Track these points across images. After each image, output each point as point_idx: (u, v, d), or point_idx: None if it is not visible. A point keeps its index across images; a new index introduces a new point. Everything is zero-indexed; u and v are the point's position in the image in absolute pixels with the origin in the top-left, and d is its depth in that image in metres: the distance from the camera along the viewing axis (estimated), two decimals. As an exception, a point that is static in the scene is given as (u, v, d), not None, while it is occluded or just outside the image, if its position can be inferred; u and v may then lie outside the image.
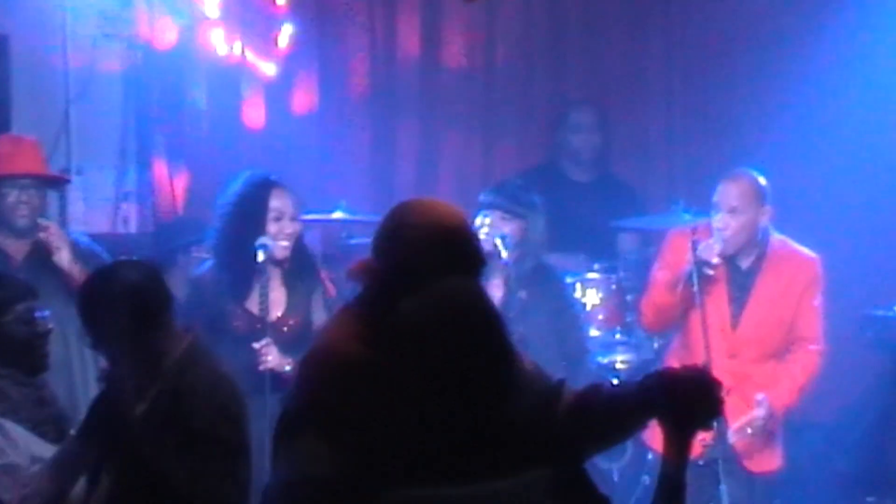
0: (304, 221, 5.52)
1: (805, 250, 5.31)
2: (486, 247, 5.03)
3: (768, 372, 5.24)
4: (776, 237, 5.29)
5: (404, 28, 7.11)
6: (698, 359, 5.15)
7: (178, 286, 5.71)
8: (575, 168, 6.84)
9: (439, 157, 7.03)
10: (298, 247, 5.11)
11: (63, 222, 6.21)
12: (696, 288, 5.08)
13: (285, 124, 6.83)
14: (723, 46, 6.95)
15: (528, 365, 3.01)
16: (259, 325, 4.99)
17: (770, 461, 5.24)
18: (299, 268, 5.09)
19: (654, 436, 5.30)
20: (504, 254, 5.23)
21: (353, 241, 6.25)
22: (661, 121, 7.14)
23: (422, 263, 2.95)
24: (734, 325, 5.15)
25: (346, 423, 2.81)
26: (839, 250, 6.46)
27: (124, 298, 3.58)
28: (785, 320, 5.22)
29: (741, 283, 5.20)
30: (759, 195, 5.18)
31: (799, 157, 6.69)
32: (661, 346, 5.86)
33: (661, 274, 5.30)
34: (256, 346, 4.95)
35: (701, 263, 5.09)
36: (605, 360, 6.04)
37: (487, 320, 2.82)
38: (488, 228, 5.27)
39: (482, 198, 5.42)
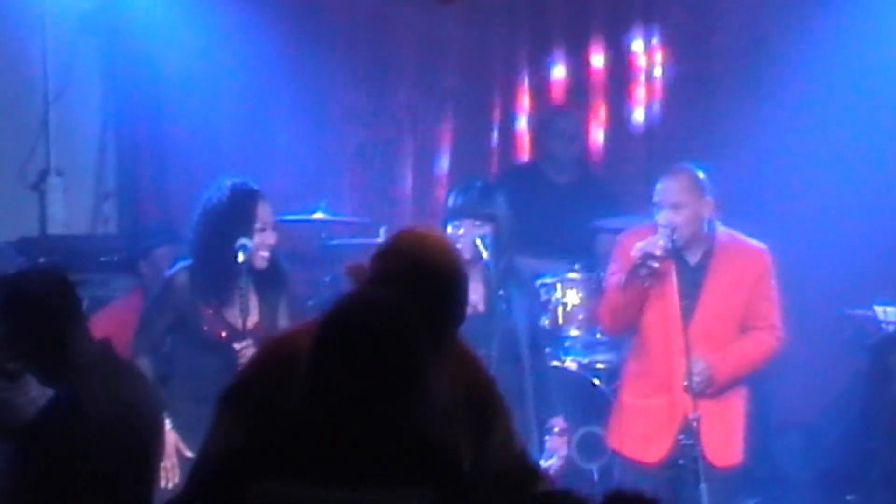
0: (285, 222, 5.53)
1: (753, 242, 5.32)
2: (465, 253, 5.04)
3: None
4: (723, 231, 5.30)
5: (389, 31, 7.10)
6: (654, 358, 5.18)
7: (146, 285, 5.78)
8: (555, 170, 6.85)
9: (422, 158, 7.03)
10: (272, 255, 5.11)
11: (43, 223, 6.21)
12: (645, 283, 5.12)
13: (265, 125, 6.82)
14: (704, 48, 6.96)
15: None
16: (231, 332, 4.99)
17: (731, 457, 5.24)
18: (270, 276, 5.09)
19: (619, 440, 5.35)
20: (485, 254, 5.23)
21: (333, 242, 6.25)
22: (640, 122, 7.15)
23: (397, 291, 3.02)
24: (686, 323, 5.16)
25: (251, 404, 2.94)
26: (819, 250, 6.50)
27: (29, 308, 3.55)
28: (737, 314, 5.23)
29: (691, 279, 5.22)
30: (700, 188, 5.20)
31: (780, 158, 6.71)
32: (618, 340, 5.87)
33: (614, 278, 5.32)
34: (237, 346, 4.94)
35: (646, 257, 5.11)
36: (586, 360, 6.05)
37: (388, 340, 2.81)
38: (463, 237, 5.25)
39: (450, 203, 5.40)
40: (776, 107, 6.65)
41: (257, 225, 5.00)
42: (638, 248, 5.15)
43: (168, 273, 5.16)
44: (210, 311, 5.03)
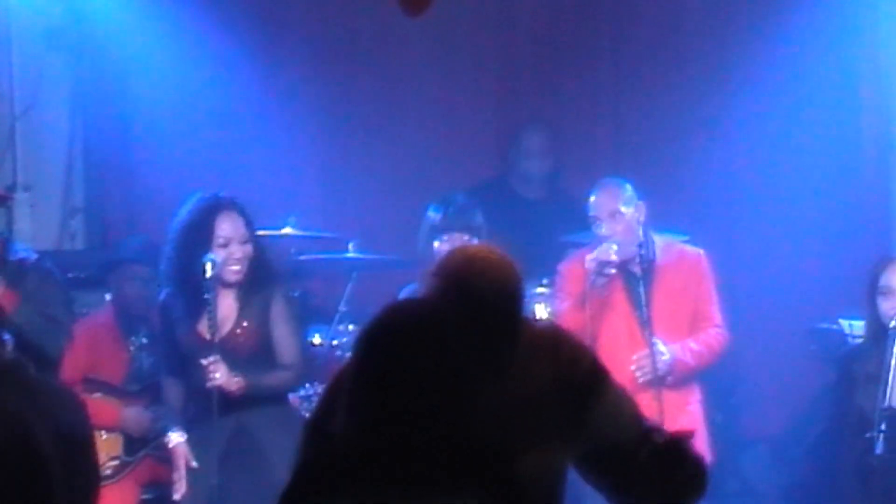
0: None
1: (689, 248, 5.51)
2: None
3: None
4: (659, 240, 5.46)
5: (358, 44, 7.12)
6: (619, 374, 5.21)
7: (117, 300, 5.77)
8: (525, 186, 6.87)
9: (391, 173, 7.04)
10: (257, 264, 5.08)
11: (10, 238, 6.17)
12: (602, 293, 5.23)
13: (233, 139, 6.82)
14: (671, 62, 7.01)
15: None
16: (199, 345, 4.98)
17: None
18: (254, 284, 5.07)
19: None
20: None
21: (302, 258, 6.24)
22: (610, 137, 7.18)
23: (448, 313, 3.02)
24: (647, 322, 5.28)
25: (314, 429, 2.97)
26: (786, 264, 6.54)
27: None
28: (687, 319, 5.41)
29: (639, 293, 5.32)
30: (631, 195, 5.40)
31: (746, 170, 6.76)
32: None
33: (565, 305, 5.45)
34: (204, 362, 4.93)
35: (601, 265, 5.25)
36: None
37: (426, 347, 2.82)
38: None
39: (433, 217, 5.42)
40: (745, 122, 6.70)
41: (219, 240, 4.99)
42: (591, 259, 5.30)
43: (161, 300, 5.18)
44: (186, 329, 5.03)
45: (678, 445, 3.07)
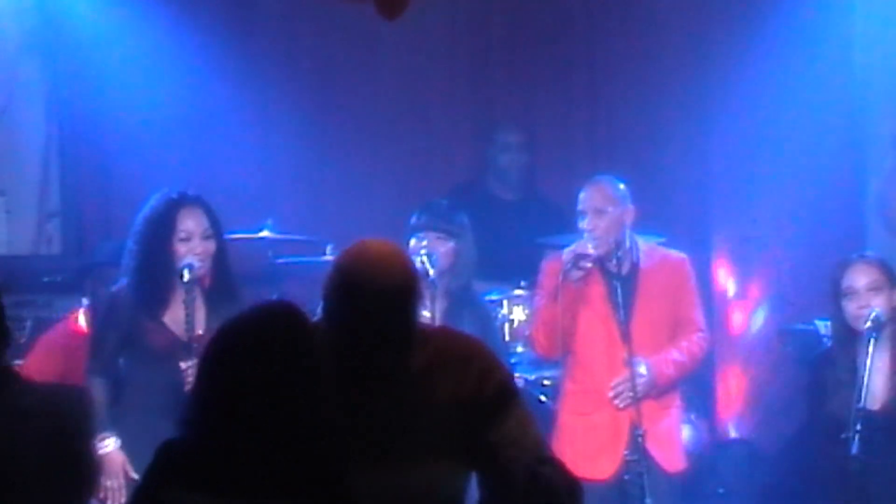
0: (231, 241, 5.50)
1: (673, 252, 5.50)
2: (420, 267, 5.08)
3: None
4: (644, 244, 5.45)
5: (332, 46, 7.12)
6: (594, 374, 5.25)
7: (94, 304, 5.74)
8: (501, 187, 6.88)
9: (367, 176, 7.04)
10: (219, 265, 5.08)
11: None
12: (577, 285, 5.23)
13: (209, 143, 6.81)
14: (648, 64, 7.03)
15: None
16: (181, 344, 4.96)
17: (678, 461, 5.33)
18: (220, 287, 5.07)
19: (563, 459, 5.38)
20: (431, 272, 5.26)
21: (280, 261, 6.24)
22: (585, 140, 7.20)
23: (330, 306, 3.06)
24: (625, 335, 5.26)
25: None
26: (761, 265, 6.57)
27: None
28: (668, 323, 5.39)
29: (623, 292, 5.30)
30: (622, 196, 5.38)
31: (720, 172, 6.79)
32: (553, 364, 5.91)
33: (542, 301, 5.44)
34: (184, 366, 4.92)
35: (577, 258, 5.25)
36: (533, 377, 6.07)
37: (265, 356, 2.78)
38: (425, 250, 5.30)
39: (414, 220, 5.44)
40: (720, 123, 6.72)
41: (181, 234, 4.98)
42: (568, 251, 5.29)
43: (112, 290, 5.13)
44: (152, 324, 5.01)
45: (555, 487, 3.07)
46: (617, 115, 7.11)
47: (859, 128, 6.78)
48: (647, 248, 5.46)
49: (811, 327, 6.04)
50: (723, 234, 6.57)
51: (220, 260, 5.08)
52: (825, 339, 5.79)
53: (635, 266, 5.38)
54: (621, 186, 5.41)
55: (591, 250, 5.26)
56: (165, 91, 6.72)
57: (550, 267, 5.46)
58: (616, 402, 5.23)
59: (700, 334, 5.41)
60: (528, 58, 7.20)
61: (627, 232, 5.37)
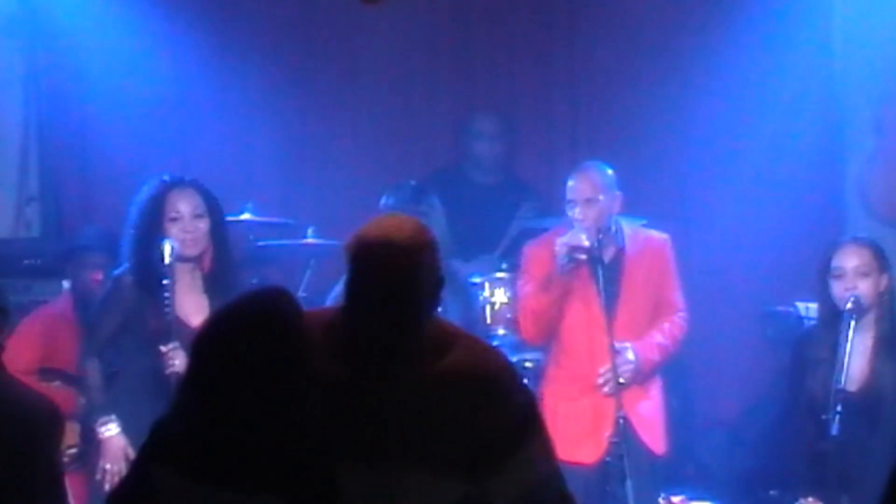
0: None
1: (655, 233, 5.51)
2: None
3: None
4: (627, 227, 5.46)
5: (313, 30, 7.10)
6: (579, 360, 5.26)
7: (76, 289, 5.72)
8: (478, 172, 6.88)
9: (348, 160, 7.03)
10: (218, 247, 5.05)
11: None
12: (570, 277, 5.23)
13: (189, 126, 6.79)
14: (630, 53, 7.02)
15: None
16: (166, 331, 4.95)
17: (662, 443, 5.37)
18: (219, 271, 5.04)
19: None
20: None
21: (260, 244, 6.23)
22: (566, 125, 7.20)
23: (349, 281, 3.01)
24: (610, 321, 5.26)
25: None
26: (741, 248, 6.59)
27: None
28: (652, 305, 5.41)
29: (608, 277, 5.30)
30: (611, 183, 5.38)
31: (701, 157, 6.80)
32: (537, 349, 5.92)
33: (528, 287, 5.43)
34: (164, 349, 4.91)
35: (572, 249, 5.22)
36: (514, 360, 6.06)
37: (252, 344, 2.76)
38: None
39: (383, 201, 5.44)
40: (700, 107, 6.73)
41: (171, 214, 4.96)
42: (562, 242, 5.26)
43: (115, 274, 5.11)
44: (153, 310, 5.00)
45: None
46: (597, 99, 7.11)
47: (839, 111, 6.81)
48: (631, 231, 5.46)
49: (791, 310, 6.06)
50: (703, 218, 6.58)
51: (219, 242, 5.05)
52: (805, 321, 5.82)
53: (620, 251, 5.39)
54: (609, 172, 5.40)
55: (585, 242, 5.23)
56: (145, 75, 6.70)
57: (535, 253, 5.46)
58: (604, 388, 5.24)
59: (680, 314, 5.45)
60: (509, 42, 7.19)
61: (613, 217, 5.37)
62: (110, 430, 4.96)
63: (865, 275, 5.05)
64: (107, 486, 4.94)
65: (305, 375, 2.77)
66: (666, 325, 5.39)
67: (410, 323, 3.01)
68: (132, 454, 4.87)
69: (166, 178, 5.07)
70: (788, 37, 6.71)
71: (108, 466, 4.95)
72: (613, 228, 5.39)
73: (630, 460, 5.14)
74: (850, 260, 5.08)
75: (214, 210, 5.05)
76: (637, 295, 5.36)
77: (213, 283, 5.02)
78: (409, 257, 3.00)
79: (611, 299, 5.29)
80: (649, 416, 5.33)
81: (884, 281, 5.10)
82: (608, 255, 5.36)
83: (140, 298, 5.00)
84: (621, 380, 5.25)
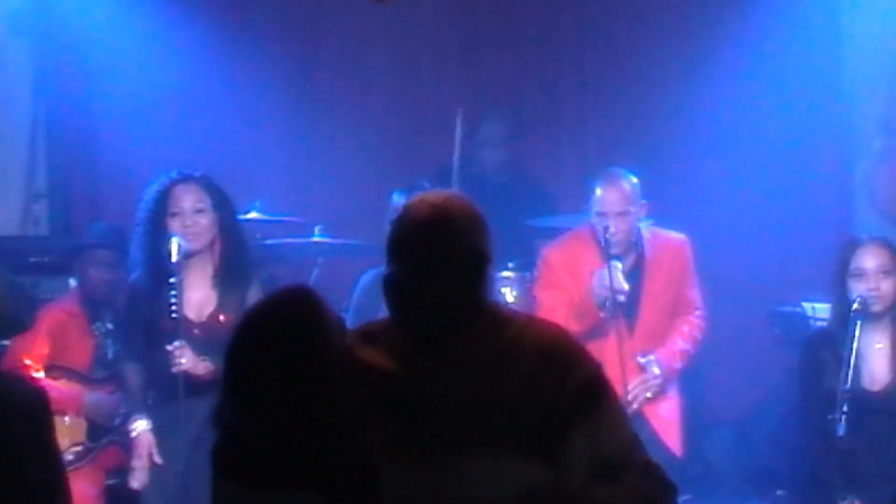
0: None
1: (673, 234, 5.47)
2: None
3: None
4: (646, 231, 5.42)
5: (322, 29, 7.11)
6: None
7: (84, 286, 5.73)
8: (484, 171, 6.85)
9: (356, 158, 7.03)
10: (227, 243, 5.05)
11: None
12: (611, 314, 5.17)
13: (197, 124, 6.79)
14: (637, 53, 7.03)
15: None
16: (174, 327, 4.96)
17: (679, 443, 5.36)
18: (231, 264, 5.04)
19: None
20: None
21: (268, 242, 6.23)
22: (573, 123, 7.20)
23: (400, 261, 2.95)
24: (630, 332, 5.27)
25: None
26: (748, 248, 6.58)
27: None
28: (672, 307, 5.39)
29: (629, 283, 5.26)
30: (638, 192, 5.34)
31: (708, 156, 6.79)
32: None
33: (545, 295, 5.38)
34: (170, 348, 4.91)
35: (615, 292, 5.16)
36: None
37: (278, 345, 2.74)
38: None
39: (395, 199, 5.43)
40: (708, 106, 6.73)
41: (173, 209, 4.97)
42: (601, 286, 5.16)
43: (129, 279, 5.13)
44: (157, 309, 5.00)
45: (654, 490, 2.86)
46: (605, 98, 7.12)
47: (847, 111, 6.80)
48: (650, 235, 5.40)
49: (798, 309, 6.04)
50: (710, 217, 6.57)
51: (228, 236, 5.04)
52: (812, 321, 5.80)
53: (640, 257, 5.35)
54: (635, 181, 5.34)
55: (625, 285, 5.15)
56: (154, 72, 6.71)
57: (552, 256, 5.40)
58: (633, 405, 5.21)
59: (698, 313, 5.42)
60: (515, 41, 7.19)
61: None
62: (137, 427, 5.00)
63: (887, 273, 5.03)
64: (134, 484, 5.01)
65: (335, 370, 2.75)
66: (685, 328, 5.36)
67: (466, 295, 2.91)
68: (156, 454, 4.95)
69: (173, 174, 5.07)
70: (797, 37, 6.70)
71: (133, 463, 4.99)
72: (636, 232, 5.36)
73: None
74: (870, 260, 5.04)
75: (221, 205, 5.04)
76: (658, 300, 5.32)
77: (222, 278, 5.02)
78: (463, 226, 2.92)
79: (632, 305, 5.26)
80: (668, 417, 5.30)
81: (901, 280, 5.08)
82: (629, 261, 5.33)
83: (150, 297, 5.01)
84: (648, 394, 5.24)
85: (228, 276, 5.00)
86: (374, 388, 2.87)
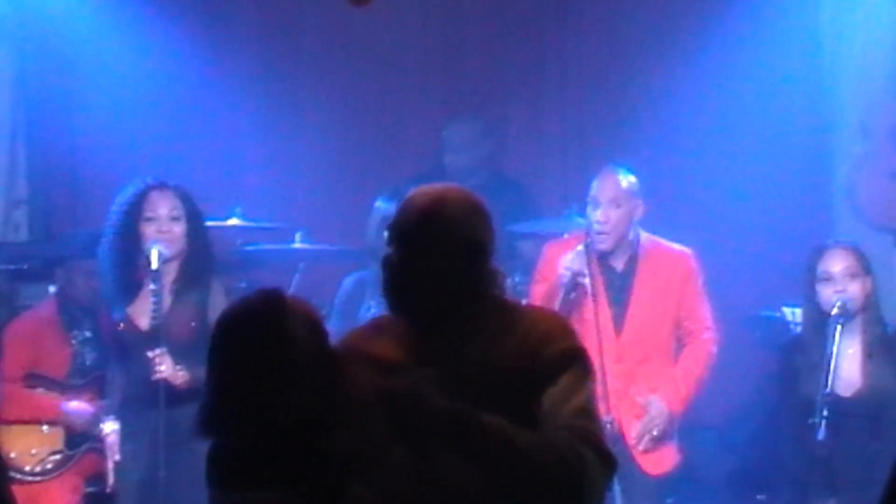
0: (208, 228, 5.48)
1: (676, 246, 5.42)
2: None
3: (655, 369, 5.31)
4: (645, 236, 5.38)
5: (304, 33, 7.10)
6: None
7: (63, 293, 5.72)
8: (459, 175, 6.82)
9: (337, 163, 7.03)
10: (193, 251, 5.05)
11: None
12: (576, 300, 5.17)
13: (178, 131, 6.79)
14: (619, 56, 7.04)
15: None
16: (140, 334, 4.96)
17: (666, 462, 5.33)
18: (195, 274, 5.05)
19: None
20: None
21: (248, 248, 6.22)
22: (556, 126, 7.21)
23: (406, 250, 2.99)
24: (618, 330, 5.23)
25: None
26: (728, 251, 6.59)
27: None
28: (667, 318, 5.31)
29: (619, 286, 5.27)
30: (635, 189, 5.31)
31: (687, 161, 6.80)
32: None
33: (538, 288, 5.37)
34: (150, 354, 4.91)
35: (575, 275, 5.17)
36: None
37: (253, 345, 2.83)
38: None
39: (384, 209, 5.42)
40: (688, 111, 6.74)
41: (146, 215, 4.99)
42: (565, 266, 5.18)
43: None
44: (119, 313, 5.00)
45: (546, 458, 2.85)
46: (587, 101, 7.12)
47: (827, 115, 6.81)
48: (649, 242, 5.37)
49: (778, 314, 6.06)
50: (690, 222, 6.59)
51: (194, 245, 5.06)
52: (792, 326, 5.82)
53: (633, 259, 5.32)
54: (633, 179, 5.32)
55: (585, 269, 5.14)
56: (134, 78, 6.70)
57: (549, 251, 5.38)
58: (639, 447, 5.19)
59: (708, 334, 5.34)
60: (498, 45, 7.20)
61: (634, 225, 5.30)
62: (104, 429, 5.10)
63: (854, 276, 5.06)
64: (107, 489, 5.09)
65: (306, 371, 2.81)
66: (692, 357, 5.30)
67: (462, 282, 2.97)
68: (116, 453, 5.03)
69: (148, 179, 5.09)
70: (776, 41, 6.72)
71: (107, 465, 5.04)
72: (631, 235, 5.32)
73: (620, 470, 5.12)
74: (837, 263, 5.09)
75: (194, 215, 5.06)
76: (647, 307, 5.26)
77: (184, 286, 5.02)
78: (459, 215, 3.00)
79: (620, 309, 5.25)
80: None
81: (868, 284, 5.12)
82: (621, 262, 5.31)
83: (119, 301, 5.00)
84: (655, 432, 5.20)
85: (190, 284, 5.01)
86: (381, 377, 2.92)
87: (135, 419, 5.01)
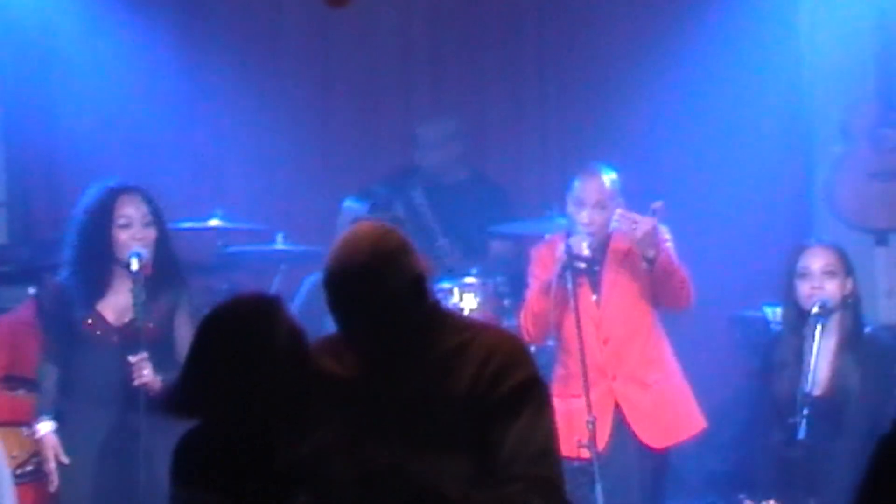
0: (180, 230, 5.49)
1: (638, 216, 5.40)
2: None
3: (637, 352, 5.36)
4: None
5: (283, 34, 7.09)
6: (574, 359, 5.24)
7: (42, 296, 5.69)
8: (434, 174, 6.81)
9: (318, 166, 7.03)
10: (161, 254, 5.05)
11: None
12: (570, 284, 5.20)
13: (158, 131, 6.77)
14: (597, 51, 7.05)
15: None
16: (107, 330, 4.95)
17: (665, 437, 5.36)
18: (161, 276, 5.04)
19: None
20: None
21: (230, 250, 6.21)
22: (536, 126, 7.21)
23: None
24: (598, 304, 5.29)
25: None
26: (708, 252, 6.61)
27: None
28: (643, 287, 5.32)
29: (591, 269, 5.30)
30: (618, 188, 5.36)
31: (667, 162, 6.82)
32: (538, 350, 5.92)
33: (533, 285, 5.41)
34: (132, 359, 4.91)
35: (572, 258, 5.20)
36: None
37: (232, 345, 2.91)
38: None
39: (362, 211, 5.42)
40: (667, 111, 6.76)
41: (120, 220, 4.98)
42: (563, 251, 5.21)
43: (55, 280, 5.13)
44: (88, 314, 4.99)
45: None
46: (566, 100, 7.14)
47: (806, 115, 6.84)
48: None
49: (759, 314, 6.08)
50: (670, 222, 6.60)
51: (162, 249, 5.07)
52: (773, 326, 5.84)
53: (603, 243, 5.34)
54: (615, 177, 5.36)
55: (586, 251, 5.19)
56: (113, 80, 6.68)
57: (540, 254, 5.42)
58: (616, 220, 5.19)
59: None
60: (478, 45, 7.20)
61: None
62: (41, 429, 5.03)
63: (832, 275, 5.08)
64: (51, 487, 5.03)
65: (284, 374, 2.89)
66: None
67: (396, 325, 3.02)
68: (62, 454, 4.98)
69: (112, 183, 5.08)
70: (755, 42, 6.74)
71: (45, 466, 5.04)
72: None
73: (626, 457, 5.15)
74: (816, 261, 5.11)
75: (160, 217, 5.08)
76: (618, 285, 5.30)
77: (153, 288, 5.02)
78: (371, 275, 3.02)
79: (596, 285, 5.30)
80: (649, 410, 5.30)
81: (848, 284, 5.14)
82: (597, 253, 5.33)
83: (76, 304, 5.00)
84: (634, 225, 5.17)
85: (155, 286, 5.00)
86: (333, 391, 2.99)
87: (95, 418, 4.97)
